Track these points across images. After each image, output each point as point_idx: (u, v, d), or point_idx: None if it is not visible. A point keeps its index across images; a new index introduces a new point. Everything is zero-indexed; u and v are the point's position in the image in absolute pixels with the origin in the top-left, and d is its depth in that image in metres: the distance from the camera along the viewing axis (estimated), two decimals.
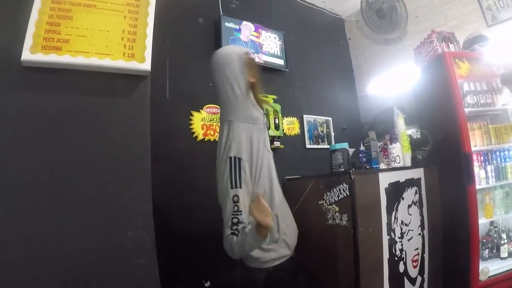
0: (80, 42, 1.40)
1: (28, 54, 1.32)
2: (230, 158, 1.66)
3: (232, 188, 1.60)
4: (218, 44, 3.15)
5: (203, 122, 2.92)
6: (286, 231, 1.81)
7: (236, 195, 1.60)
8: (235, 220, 1.57)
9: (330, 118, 4.03)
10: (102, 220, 1.28)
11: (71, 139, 1.31)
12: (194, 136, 2.85)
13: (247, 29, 3.37)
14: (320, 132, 3.89)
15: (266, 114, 3.37)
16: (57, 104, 1.33)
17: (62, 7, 1.43)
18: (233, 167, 1.64)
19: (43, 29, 1.38)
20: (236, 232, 1.55)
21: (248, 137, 1.74)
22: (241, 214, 1.58)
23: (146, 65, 1.43)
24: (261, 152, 1.77)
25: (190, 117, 2.88)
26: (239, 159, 1.65)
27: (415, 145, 2.77)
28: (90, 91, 1.38)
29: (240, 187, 1.61)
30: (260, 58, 3.36)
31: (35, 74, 1.33)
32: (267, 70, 3.39)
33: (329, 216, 2.15)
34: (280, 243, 1.77)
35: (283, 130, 3.49)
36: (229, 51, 1.84)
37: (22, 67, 1.32)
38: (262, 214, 1.45)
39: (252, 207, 1.48)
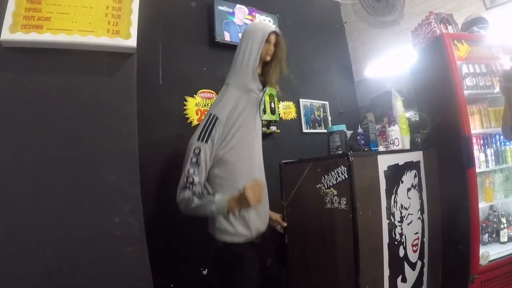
0: (62, 19, 1.33)
1: (7, 34, 1.26)
2: (210, 114, 1.75)
3: (198, 139, 1.67)
4: (211, 28, 3.09)
5: (197, 107, 2.87)
6: (250, 213, 1.81)
7: (198, 147, 1.66)
8: (191, 171, 1.61)
9: (327, 102, 3.99)
10: (87, 207, 1.22)
11: (53, 122, 1.24)
12: (188, 121, 2.80)
13: (241, 12, 3.30)
14: (317, 116, 3.84)
15: (270, 96, 3.34)
16: (38, 85, 1.26)
17: None
18: (208, 122, 1.72)
19: (23, 8, 1.31)
20: (198, 194, 1.60)
21: (235, 102, 1.81)
22: (198, 167, 1.63)
23: (132, 42, 1.36)
24: (243, 120, 1.82)
25: (184, 102, 2.83)
26: (217, 118, 1.72)
27: (413, 128, 2.71)
28: (73, 70, 1.32)
29: (206, 142, 1.67)
30: None
31: (15, 55, 1.27)
32: None
33: (327, 200, 2.10)
34: (240, 219, 1.79)
35: (279, 114, 3.44)
36: (258, 26, 1.94)
37: (2, 48, 1.25)
38: (254, 194, 1.57)
39: (249, 184, 1.59)
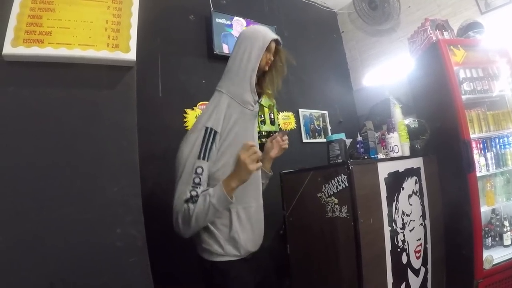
0: (63, 34, 1.35)
1: (9, 48, 1.28)
2: (207, 128, 1.57)
3: (199, 158, 1.52)
4: (209, 40, 3.13)
5: None
6: (241, 231, 1.66)
7: (201, 167, 1.51)
8: (193, 193, 1.49)
9: (326, 112, 4.00)
10: (89, 218, 1.22)
11: (55, 134, 1.26)
12: None
13: (238, 24, 3.33)
14: (317, 126, 3.85)
15: (268, 108, 3.33)
16: (40, 98, 1.28)
17: (44, 0, 1.39)
18: (207, 138, 1.55)
19: (25, 22, 1.34)
20: (191, 200, 1.47)
21: (228, 114, 1.64)
22: (199, 188, 1.50)
23: (131, 55, 1.38)
24: (235, 135, 1.65)
25: (184, 114, 2.84)
26: (215, 132, 1.57)
27: (413, 134, 2.72)
28: (74, 84, 1.33)
29: (207, 161, 1.53)
30: None
31: (17, 69, 1.29)
32: None
33: (328, 209, 2.10)
34: (230, 241, 1.64)
35: (279, 125, 3.45)
36: (260, 30, 1.77)
37: (4, 62, 1.27)
38: (250, 157, 1.48)
39: (241, 149, 1.50)
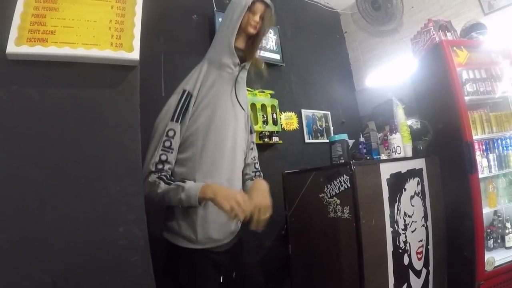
0: (66, 33, 1.35)
1: (13, 47, 1.28)
2: (184, 91, 1.58)
3: (172, 120, 1.51)
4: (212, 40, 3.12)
5: None
6: (208, 214, 1.54)
7: (173, 129, 1.51)
8: (163, 157, 1.48)
9: (329, 112, 4.01)
10: (92, 216, 1.22)
11: (58, 133, 1.26)
12: None
13: None
14: (319, 127, 3.85)
15: (271, 107, 3.32)
16: (43, 97, 1.28)
17: None
18: (182, 100, 1.55)
19: (28, 21, 1.34)
20: (165, 178, 1.46)
21: (205, 77, 1.62)
22: (171, 153, 1.50)
23: (135, 55, 1.38)
24: (211, 97, 1.60)
25: None
26: (191, 94, 1.57)
27: (415, 135, 2.72)
28: (77, 83, 1.33)
29: (180, 123, 1.52)
30: None
31: (21, 68, 1.29)
32: None
33: (330, 209, 2.10)
34: (186, 218, 1.53)
35: (281, 125, 3.45)
36: None
37: (8, 61, 1.27)
38: (237, 204, 1.35)
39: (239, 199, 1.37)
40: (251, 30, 1.66)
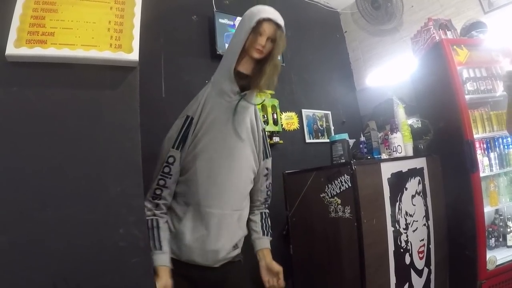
0: (66, 34, 1.35)
1: (12, 49, 1.28)
2: (188, 117, 1.55)
3: (173, 147, 1.52)
4: (213, 40, 3.13)
5: None
6: (191, 231, 1.54)
7: (173, 156, 1.52)
8: (161, 182, 1.51)
9: (329, 112, 3.99)
10: (92, 218, 1.22)
11: (58, 135, 1.26)
12: None
13: None
14: (320, 126, 3.84)
15: (272, 107, 3.31)
16: (43, 99, 1.28)
17: (47, 0, 1.39)
18: (185, 126, 1.54)
19: (28, 23, 1.34)
20: (160, 212, 1.52)
21: (206, 103, 1.55)
22: (170, 178, 1.52)
23: (134, 56, 1.37)
24: (210, 124, 1.54)
25: None
26: (192, 122, 1.54)
27: (416, 134, 2.72)
28: (76, 84, 1.33)
29: (180, 150, 1.53)
30: None
31: (20, 69, 1.29)
32: None
33: (331, 209, 2.10)
34: (177, 242, 1.56)
35: (282, 125, 3.45)
36: (253, 9, 1.50)
37: (7, 63, 1.27)
38: None
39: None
40: (255, 55, 1.49)
